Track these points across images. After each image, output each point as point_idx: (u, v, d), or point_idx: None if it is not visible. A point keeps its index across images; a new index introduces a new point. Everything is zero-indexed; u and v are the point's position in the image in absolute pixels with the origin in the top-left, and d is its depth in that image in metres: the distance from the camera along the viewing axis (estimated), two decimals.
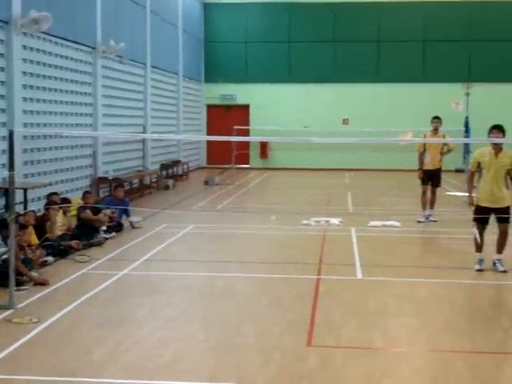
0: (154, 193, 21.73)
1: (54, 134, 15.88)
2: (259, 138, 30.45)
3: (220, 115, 32.45)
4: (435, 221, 15.51)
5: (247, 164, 32.05)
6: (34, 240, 11.23)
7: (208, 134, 32.11)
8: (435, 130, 15.69)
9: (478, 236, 10.37)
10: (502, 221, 10.37)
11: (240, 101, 32.32)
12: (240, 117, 31.78)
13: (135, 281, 9.98)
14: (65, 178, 16.99)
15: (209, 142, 32.50)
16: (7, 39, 13.97)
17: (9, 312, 8.06)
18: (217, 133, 28.98)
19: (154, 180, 23.18)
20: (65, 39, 16.75)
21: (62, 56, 16.76)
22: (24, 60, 14.71)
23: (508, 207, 10.34)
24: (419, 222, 15.47)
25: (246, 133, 30.11)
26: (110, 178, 18.90)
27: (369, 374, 6.26)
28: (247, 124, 31.43)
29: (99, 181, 18.60)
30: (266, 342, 7.15)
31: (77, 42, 17.49)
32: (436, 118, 15.81)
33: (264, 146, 32.20)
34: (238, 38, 32.12)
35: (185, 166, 27.39)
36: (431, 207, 15.76)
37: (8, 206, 8.80)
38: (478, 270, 10.33)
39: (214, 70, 32.39)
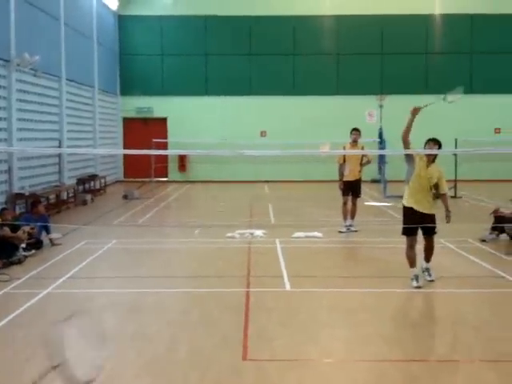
0: (71, 208, 21.27)
1: None
2: (179, 151, 30.32)
3: (137, 128, 32.11)
4: (356, 231, 15.76)
5: (166, 177, 31.82)
6: None
7: (125, 147, 31.73)
8: (354, 142, 15.92)
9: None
10: (429, 233, 10.48)
11: (157, 114, 32.08)
12: (157, 130, 31.55)
13: (59, 299, 9.72)
14: None
15: (126, 156, 32.03)
16: None
17: None
18: (134, 146, 28.77)
19: (71, 195, 22.68)
20: None
21: None
22: None
23: (434, 215, 10.48)
24: (341, 232, 15.68)
25: (165, 146, 29.90)
26: (27, 193, 18.39)
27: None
28: (165, 137, 31.20)
29: (15, 197, 18.06)
30: (201, 357, 7.08)
31: None
32: (355, 129, 16.05)
33: (182, 159, 32.03)
34: (154, 50, 31.94)
35: (102, 180, 26.93)
36: (352, 217, 15.98)
37: None
38: (417, 288, 10.10)
39: (130, 82, 32.05)
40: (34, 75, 20.00)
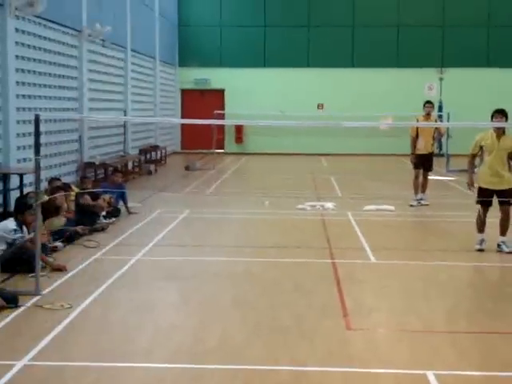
0: (137, 178, 21.54)
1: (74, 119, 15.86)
2: (239, 121, 30.17)
3: (194, 100, 32.21)
4: (427, 204, 15.69)
5: (222, 149, 31.83)
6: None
7: (183, 118, 31.89)
8: (427, 115, 15.86)
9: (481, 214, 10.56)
10: (505, 203, 10.57)
11: (214, 85, 32.14)
12: (214, 102, 31.60)
13: (151, 266, 9.93)
14: (53, 164, 16.69)
15: (183, 127, 32.24)
16: (1, 22, 13.65)
17: (36, 298, 7.95)
18: (191, 117, 28.80)
19: (136, 165, 22.98)
20: (53, 22, 16.46)
21: (50, 39, 16.47)
22: (17, 43, 14.42)
23: (510, 189, 10.53)
24: (411, 205, 15.62)
25: (222, 117, 29.89)
26: (98, 162, 18.69)
27: (416, 354, 6.36)
28: (222, 109, 31.21)
29: (86, 166, 18.36)
30: (305, 326, 7.18)
31: (64, 25, 17.20)
32: (428, 102, 16.00)
33: (239, 131, 32.11)
34: (213, 21, 31.88)
35: (163, 151, 27.19)
36: (423, 191, 15.92)
37: (22, 191, 8.63)
38: (479, 250, 10.57)
39: (188, 54, 32.09)
40: (103, 46, 20.21)
